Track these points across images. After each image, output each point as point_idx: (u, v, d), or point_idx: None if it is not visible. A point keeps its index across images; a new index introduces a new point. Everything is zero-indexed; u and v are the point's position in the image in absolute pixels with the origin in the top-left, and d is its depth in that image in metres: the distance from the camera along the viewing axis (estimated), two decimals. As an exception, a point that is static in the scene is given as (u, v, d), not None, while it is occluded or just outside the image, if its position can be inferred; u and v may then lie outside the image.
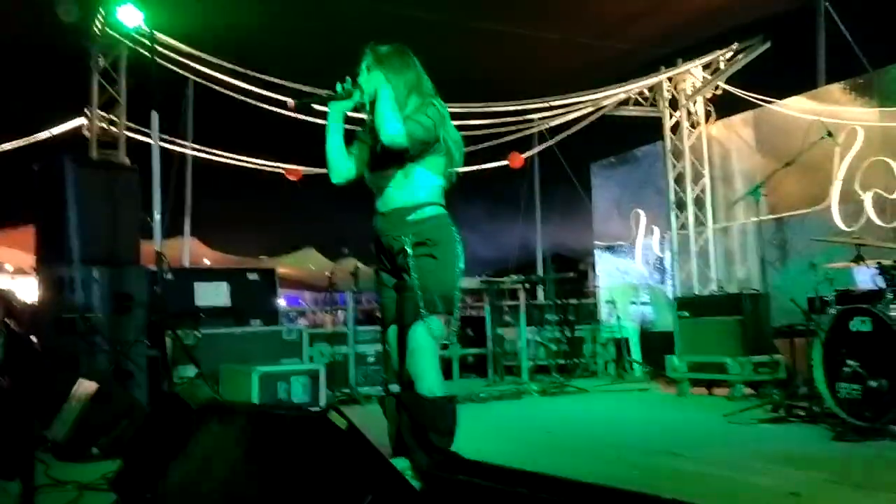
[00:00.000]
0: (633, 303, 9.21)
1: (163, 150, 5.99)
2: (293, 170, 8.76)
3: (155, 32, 6.06)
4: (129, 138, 7.36)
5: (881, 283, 4.26)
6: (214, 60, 7.32)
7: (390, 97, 2.83)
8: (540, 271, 11.04)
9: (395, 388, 3.08)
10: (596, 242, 11.05)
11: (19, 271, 12.45)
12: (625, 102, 9.63)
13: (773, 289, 6.32)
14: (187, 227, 9.15)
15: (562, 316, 8.23)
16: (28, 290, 9.08)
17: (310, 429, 1.77)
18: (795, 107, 8.03)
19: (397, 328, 2.98)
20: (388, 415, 2.99)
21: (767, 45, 8.64)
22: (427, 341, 2.83)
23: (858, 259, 4.61)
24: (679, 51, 9.21)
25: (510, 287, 8.54)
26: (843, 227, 7.42)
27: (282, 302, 10.43)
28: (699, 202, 9.59)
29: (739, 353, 5.67)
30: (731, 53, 9.11)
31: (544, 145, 9.88)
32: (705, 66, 9.45)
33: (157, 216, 4.72)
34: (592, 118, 9.29)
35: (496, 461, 1.42)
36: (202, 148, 8.59)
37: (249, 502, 1.81)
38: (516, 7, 7.54)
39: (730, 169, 9.26)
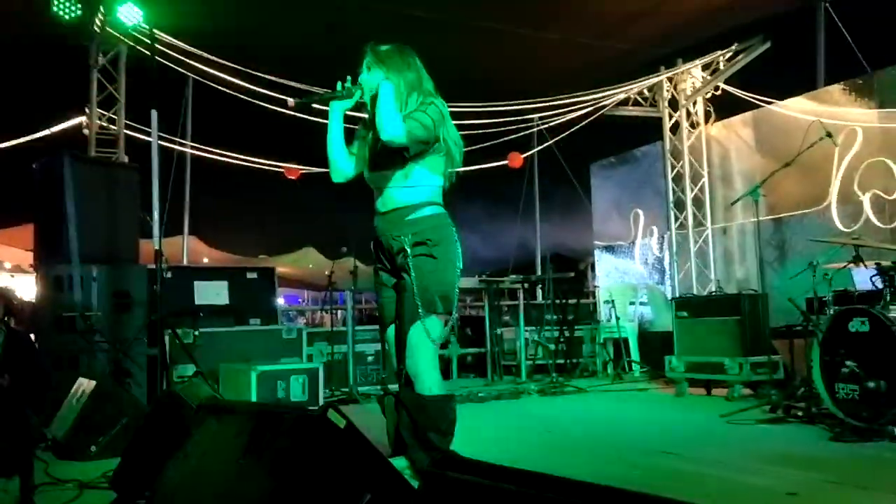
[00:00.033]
0: (632, 303, 9.21)
1: (162, 148, 5.98)
2: (292, 168, 8.77)
3: (154, 30, 6.06)
4: (128, 136, 7.37)
5: (879, 284, 4.27)
6: (214, 59, 7.32)
7: (391, 95, 2.83)
8: (539, 271, 11.03)
9: (394, 387, 3.08)
10: (595, 242, 11.06)
11: (18, 269, 12.44)
12: (624, 102, 9.64)
13: (772, 289, 6.32)
14: (186, 226, 9.14)
15: (561, 316, 8.23)
16: (27, 289, 9.08)
17: (308, 428, 1.77)
18: (795, 107, 8.04)
19: (396, 327, 2.98)
20: (387, 414, 3.00)
21: (767, 45, 8.65)
22: (426, 341, 2.83)
23: (857, 260, 4.62)
24: (679, 51, 9.23)
25: (509, 287, 8.56)
26: (841, 227, 7.43)
27: (281, 301, 10.42)
28: (698, 202, 9.60)
29: (738, 353, 5.67)
30: (730, 54, 9.12)
31: (544, 145, 9.88)
32: (705, 67, 9.47)
33: (157, 215, 4.71)
34: (592, 118, 9.29)
35: (495, 461, 1.42)
36: (202, 146, 8.59)
37: (248, 501, 1.81)
38: (516, 7, 7.54)
39: (729, 169, 9.27)
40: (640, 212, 10.21)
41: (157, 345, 4.82)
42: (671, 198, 9.67)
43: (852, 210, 7.39)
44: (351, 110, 2.99)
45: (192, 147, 8.62)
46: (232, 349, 5.95)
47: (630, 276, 10.29)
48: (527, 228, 11.69)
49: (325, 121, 3.02)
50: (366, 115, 3.04)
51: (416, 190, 2.91)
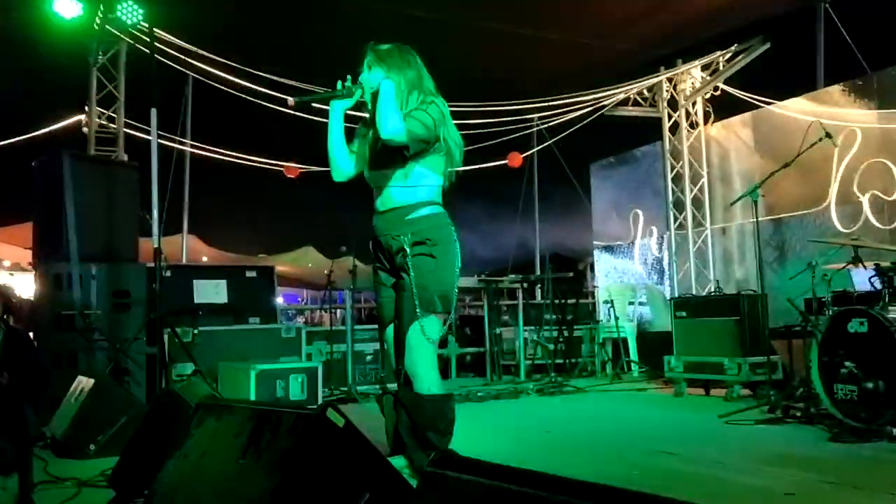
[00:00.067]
0: (631, 303, 9.22)
1: (162, 146, 5.98)
2: (292, 167, 8.77)
3: (154, 29, 6.05)
4: (127, 135, 7.36)
5: (878, 285, 4.27)
6: (214, 57, 7.32)
7: (391, 93, 2.82)
8: (538, 271, 11.04)
9: (393, 386, 3.08)
10: (595, 242, 11.07)
11: (17, 267, 12.43)
12: (624, 102, 9.65)
13: (771, 289, 6.33)
14: (186, 225, 9.14)
15: (560, 316, 8.24)
16: (26, 287, 9.08)
17: (308, 427, 1.77)
18: (794, 108, 8.05)
19: (395, 327, 2.98)
20: (386, 413, 3.00)
21: (767, 46, 8.66)
22: (425, 340, 2.84)
23: (856, 260, 4.62)
24: (679, 51, 9.23)
25: (508, 286, 8.56)
26: (840, 228, 7.44)
27: (280, 300, 10.42)
28: (697, 203, 9.60)
29: (737, 353, 5.68)
30: (730, 54, 9.12)
31: (543, 145, 9.89)
32: (705, 67, 9.47)
33: (156, 213, 4.70)
34: (592, 118, 9.30)
35: (493, 460, 1.42)
36: (201, 145, 8.59)
37: (247, 499, 1.81)
38: (516, 7, 7.54)
39: (728, 169, 9.28)
40: (640, 212, 10.22)
41: (156, 343, 4.82)
42: (670, 198, 9.67)
43: (851, 211, 7.39)
44: (351, 109, 2.99)
45: (192, 146, 8.62)
46: (231, 348, 5.95)
47: (629, 277, 10.30)
48: (526, 228, 11.70)
49: (324, 120, 3.02)
50: (366, 115, 3.03)
51: (416, 189, 2.91)
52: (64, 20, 6.32)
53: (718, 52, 9.17)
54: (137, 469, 2.67)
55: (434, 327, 2.86)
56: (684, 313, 6.29)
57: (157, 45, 6.29)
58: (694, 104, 9.65)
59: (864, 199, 7.26)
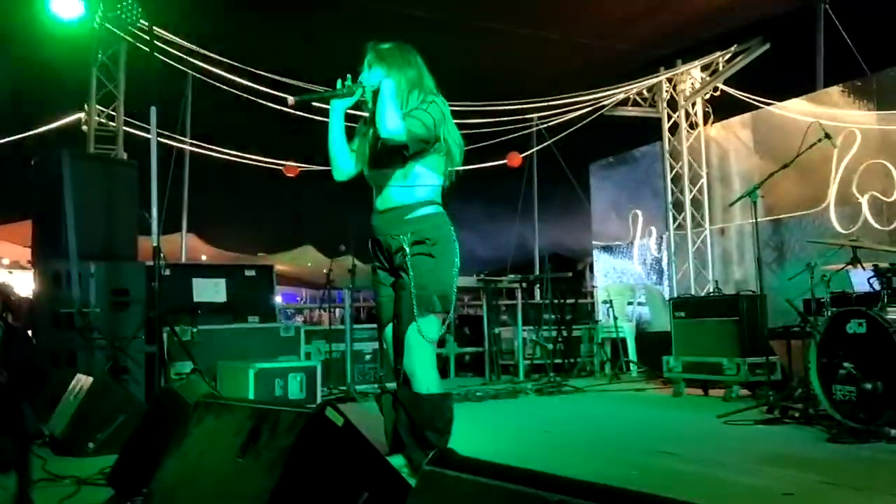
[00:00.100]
0: (630, 303, 9.23)
1: (161, 145, 5.98)
2: (291, 166, 8.77)
3: (154, 28, 6.05)
4: (127, 133, 7.36)
5: (877, 286, 4.27)
6: (214, 56, 7.32)
7: (392, 92, 2.82)
8: (537, 271, 11.05)
9: (392, 385, 3.09)
10: (594, 242, 11.07)
11: (16, 265, 12.43)
12: (624, 103, 9.65)
13: (770, 290, 6.33)
14: (185, 223, 9.14)
15: (559, 315, 8.24)
16: (25, 285, 9.07)
17: (306, 425, 1.77)
18: (794, 109, 8.05)
19: (394, 326, 2.98)
20: (385, 412, 3.00)
21: (766, 46, 8.66)
22: (424, 340, 2.84)
23: (855, 261, 4.63)
24: (678, 52, 9.23)
25: (507, 286, 8.56)
26: (840, 229, 7.44)
27: (279, 299, 10.43)
28: (697, 203, 9.61)
29: (736, 354, 5.68)
30: (730, 55, 9.13)
31: (543, 145, 9.89)
32: (704, 67, 9.48)
33: (155, 212, 4.70)
34: (591, 118, 9.30)
35: (492, 460, 1.42)
36: (200, 144, 8.58)
37: (246, 498, 1.81)
38: (516, 6, 7.54)
39: (727, 170, 9.28)
40: (639, 212, 10.22)
41: (155, 342, 4.83)
42: (670, 198, 9.68)
43: (850, 212, 7.40)
44: (351, 108, 2.98)
45: (191, 144, 8.62)
46: (230, 347, 5.95)
47: (628, 277, 10.30)
48: (525, 228, 11.70)
49: (324, 118, 3.02)
50: (366, 114, 3.03)
51: (416, 189, 2.91)
52: (64, 19, 6.31)
53: (718, 53, 9.18)
54: (136, 467, 2.67)
55: (433, 327, 2.86)
56: (683, 313, 6.29)
57: (157, 43, 6.29)
58: (693, 105, 9.66)
59: (863, 200, 7.27)
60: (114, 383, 4.27)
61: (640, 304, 9.45)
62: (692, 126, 9.71)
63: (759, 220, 5.38)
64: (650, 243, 10.09)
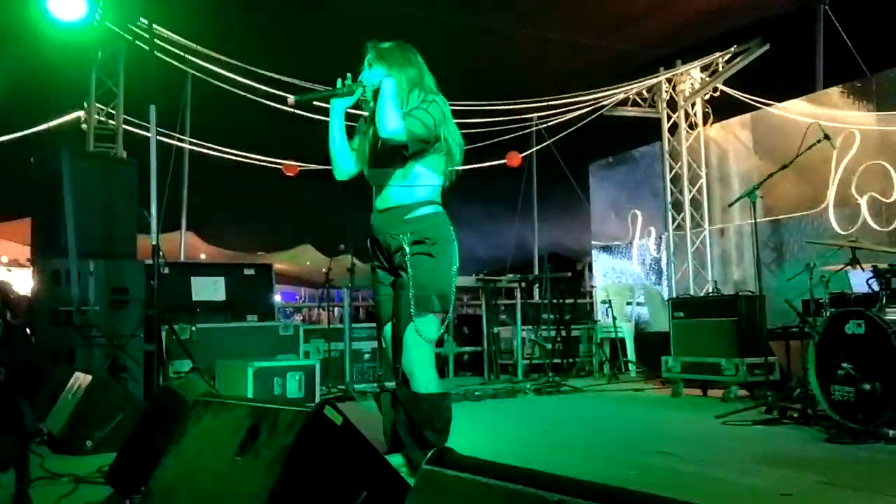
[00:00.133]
0: (629, 303, 9.23)
1: (160, 143, 5.97)
2: (291, 165, 8.76)
3: (154, 26, 6.05)
4: (126, 131, 7.35)
5: (876, 287, 4.28)
6: (214, 55, 7.31)
7: (392, 92, 2.81)
8: (536, 270, 11.05)
9: (390, 384, 3.09)
10: (593, 242, 11.07)
11: (15, 263, 12.42)
12: (623, 103, 9.65)
13: (769, 291, 6.33)
14: (184, 222, 9.14)
15: (558, 315, 8.24)
16: (24, 283, 9.07)
17: (305, 424, 1.77)
18: (793, 109, 8.06)
19: (393, 325, 2.98)
20: (384, 411, 3.00)
21: (766, 47, 8.67)
22: (422, 340, 2.83)
23: (854, 262, 4.63)
24: (678, 52, 9.24)
25: (507, 286, 8.56)
26: (839, 230, 7.45)
27: (278, 298, 10.42)
28: (696, 203, 9.61)
29: (734, 354, 5.68)
30: (729, 55, 9.13)
31: (542, 144, 9.89)
32: (704, 68, 9.48)
33: (154, 210, 4.71)
34: (591, 118, 9.30)
35: (491, 459, 1.42)
36: (200, 142, 8.58)
37: (244, 497, 1.81)
38: (516, 6, 7.54)
39: (727, 171, 9.29)
40: (638, 212, 10.23)
41: (153, 340, 4.83)
42: (669, 199, 9.68)
43: (849, 212, 7.41)
44: (351, 107, 2.98)
45: (191, 143, 8.61)
46: (228, 345, 5.95)
47: (627, 277, 10.31)
48: (525, 228, 11.70)
49: (324, 117, 3.02)
50: (366, 113, 3.03)
51: (416, 189, 2.91)
52: (64, 21, 6.30)
53: (718, 53, 9.18)
54: (134, 466, 2.67)
55: (432, 326, 2.86)
56: (682, 314, 6.30)
57: (157, 41, 6.29)
58: (693, 105, 9.66)
59: (863, 201, 7.27)
60: (112, 381, 4.27)
61: (639, 304, 9.45)
62: (692, 126, 9.71)
63: (758, 220, 5.38)
64: (649, 243, 10.09)
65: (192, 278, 6.50)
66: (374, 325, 3.31)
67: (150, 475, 2.30)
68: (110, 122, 7.25)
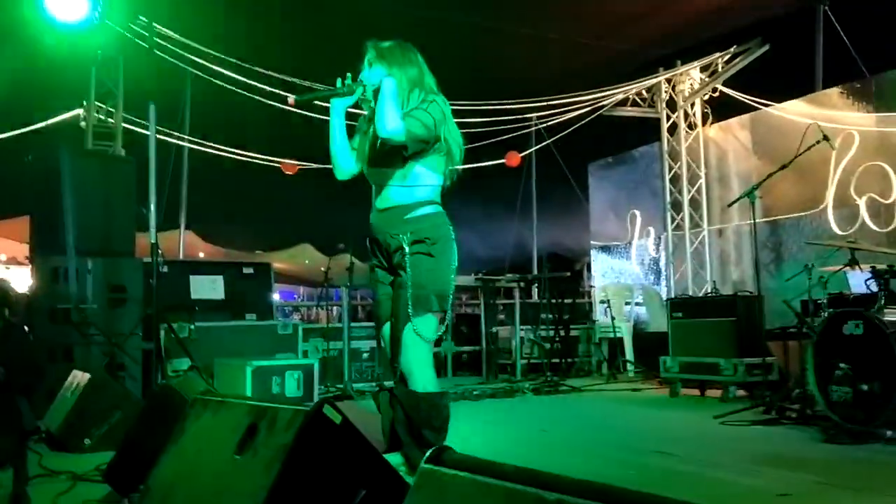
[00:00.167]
0: (628, 303, 9.24)
1: (160, 142, 5.97)
2: (290, 164, 8.76)
3: (154, 24, 6.05)
4: (125, 130, 7.34)
5: (874, 288, 4.28)
6: (214, 53, 7.30)
7: (393, 92, 2.81)
8: (535, 270, 11.05)
9: (389, 383, 3.08)
10: (592, 242, 11.08)
11: (13, 261, 12.41)
12: (623, 103, 9.65)
13: (767, 291, 6.34)
14: (183, 220, 9.13)
15: (556, 315, 8.24)
16: (22, 281, 9.06)
17: (304, 423, 1.77)
18: (792, 110, 8.06)
19: (392, 324, 2.98)
20: (382, 410, 2.99)
21: (766, 48, 8.67)
22: (421, 339, 2.83)
23: (852, 263, 4.64)
24: (678, 52, 9.24)
25: (505, 285, 8.56)
26: (837, 230, 7.45)
27: (276, 297, 10.41)
28: (695, 203, 9.61)
29: (733, 354, 5.69)
30: (729, 56, 9.14)
31: (542, 144, 9.89)
32: (703, 68, 9.49)
33: (153, 208, 4.70)
34: (590, 118, 9.30)
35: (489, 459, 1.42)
36: (199, 141, 8.57)
37: (243, 496, 1.81)
38: (516, 6, 7.54)
39: (726, 171, 9.29)
40: (637, 212, 10.23)
41: (152, 338, 4.82)
42: (668, 199, 9.68)
43: (848, 213, 7.41)
44: (351, 106, 2.98)
45: (190, 141, 8.60)
46: (227, 344, 5.94)
47: (626, 277, 10.31)
48: (524, 227, 11.70)
49: (323, 116, 3.02)
50: (366, 111, 3.03)
51: (416, 189, 2.90)
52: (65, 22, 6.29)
53: (717, 54, 9.18)
54: (133, 464, 2.66)
55: (430, 326, 2.86)
56: (681, 314, 6.30)
57: (156, 40, 6.28)
58: (692, 105, 9.66)
59: (861, 202, 7.28)
60: (111, 380, 4.27)
61: (637, 304, 9.46)
62: (691, 126, 9.71)
63: (757, 220, 5.38)
64: (648, 243, 10.09)
65: (191, 277, 6.49)
66: (372, 324, 3.31)
67: (149, 473, 2.30)
68: (109, 120, 7.24)
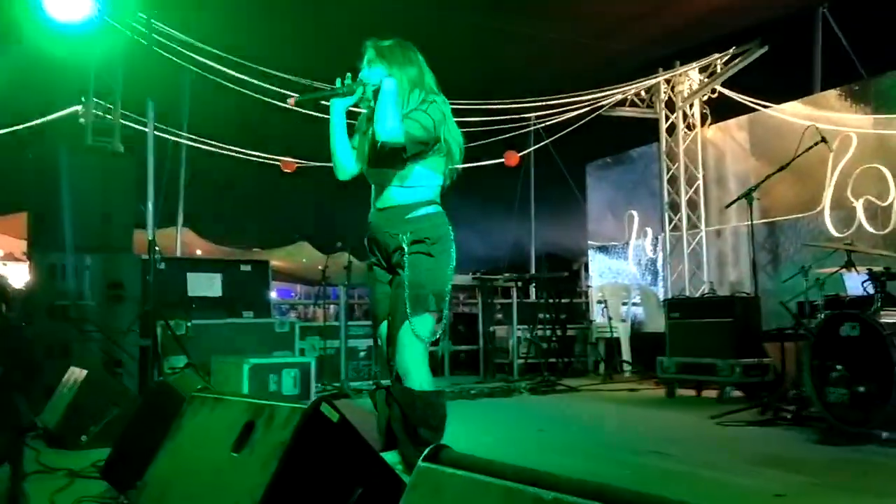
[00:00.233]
0: (625, 303, 9.25)
1: (158, 139, 5.96)
2: (289, 162, 8.75)
3: (153, 21, 6.04)
4: (124, 126, 7.33)
5: (871, 290, 4.29)
6: (213, 50, 7.29)
7: (393, 94, 2.81)
8: (533, 270, 11.06)
9: (386, 382, 3.09)
10: (589, 242, 11.08)
11: (10, 257, 12.38)
12: (621, 103, 9.65)
13: (764, 292, 6.35)
14: (180, 217, 9.12)
15: (553, 315, 8.25)
16: (19, 277, 9.04)
17: (302, 421, 1.77)
18: (790, 112, 8.07)
19: (389, 323, 2.98)
20: (379, 408, 3.00)
21: (764, 49, 8.67)
22: (418, 338, 2.84)
23: (849, 265, 4.65)
24: (677, 53, 9.24)
25: (503, 285, 8.56)
26: (834, 232, 7.47)
27: (273, 294, 10.40)
28: (693, 204, 9.62)
29: (729, 355, 5.70)
30: (728, 57, 9.14)
31: (540, 144, 9.89)
32: (702, 69, 9.49)
33: (151, 205, 4.71)
34: (589, 118, 9.30)
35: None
36: (198, 138, 8.56)
37: (239, 493, 1.82)
38: (516, 6, 7.54)
39: (724, 172, 9.30)
40: (635, 213, 10.24)
41: (149, 335, 4.83)
42: (666, 199, 9.69)
43: (845, 215, 7.42)
44: (353, 107, 2.97)
45: (188, 138, 8.59)
46: (224, 342, 5.94)
47: (623, 277, 10.31)
48: (522, 227, 11.69)
49: (323, 115, 3.02)
50: (365, 110, 3.03)
51: (416, 189, 2.90)
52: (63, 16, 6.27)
53: (716, 55, 9.19)
54: (130, 460, 2.67)
55: (427, 325, 2.86)
56: (678, 314, 6.31)
57: (156, 36, 6.27)
58: (691, 106, 9.67)
59: (858, 204, 7.29)
60: (108, 376, 4.27)
61: (634, 304, 9.47)
62: (689, 127, 9.72)
63: (754, 222, 5.39)
64: (645, 244, 10.10)
65: (189, 274, 6.48)
66: (369, 322, 3.31)
67: (146, 470, 2.30)
68: (108, 116, 7.22)
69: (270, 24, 7.62)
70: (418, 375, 2.84)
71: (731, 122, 9.16)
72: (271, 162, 8.78)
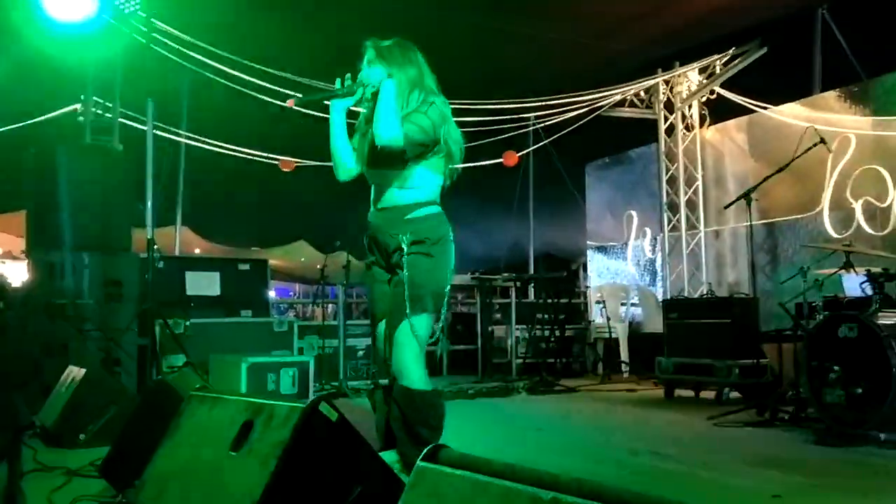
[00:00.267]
0: (623, 303, 9.26)
1: (157, 137, 5.95)
2: (287, 161, 8.75)
3: (153, 20, 6.04)
4: (123, 125, 7.32)
5: (869, 291, 4.30)
6: (213, 49, 7.29)
7: (392, 96, 2.80)
8: (532, 270, 11.06)
9: (384, 381, 3.09)
10: (588, 242, 11.09)
11: (9, 256, 12.37)
12: (621, 104, 9.66)
13: (763, 293, 6.36)
14: (179, 216, 9.12)
15: (552, 315, 8.25)
16: (17, 275, 9.04)
17: (300, 420, 1.77)
18: (789, 113, 8.08)
19: (387, 322, 2.98)
20: (377, 407, 3.00)
21: (764, 50, 8.68)
22: (415, 338, 2.84)
23: (848, 266, 4.65)
24: (676, 54, 9.25)
25: (501, 285, 8.57)
26: (833, 233, 7.47)
27: (272, 294, 10.40)
28: (691, 205, 9.63)
29: (727, 356, 5.70)
30: (727, 58, 9.15)
31: (539, 144, 9.89)
32: (701, 70, 9.50)
33: (150, 204, 4.71)
34: (588, 118, 9.30)
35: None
36: (197, 137, 8.55)
37: (238, 492, 1.82)
38: (516, 6, 7.54)
39: (723, 173, 9.31)
40: (634, 213, 10.25)
41: (147, 334, 4.82)
42: (664, 200, 9.70)
43: (844, 216, 7.43)
44: (353, 107, 2.97)
45: (187, 137, 8.59)
46: (222, 340, 5.94)
47: (622, 277, 10.32)
48: (520, 227, 11.69)
49: (321, 114, 3.01)
50: (365, 111, 3.02)
51: (416, 190, 2.90)
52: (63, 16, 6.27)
53: (715, 56, 9.20)
54: (128, 459, 2.67)
55: (425, 325, 2.86)
56: (676, 315, 6.32)
57: (155, 35, 6.27)
58: (690, 107, 9.68)
59: (857, 206, 7.30)
60: (106, 375, 4.27)
61: (633, 304, 9.48)
62: (688, 128, 9.73)
63: (753, 223, 5.40)
64: (644, 244, 10.11)
65: (187, 273, 6.48)
66: (368, 322, 3.31)
67: (144, 469, 2.30)
68: (107, 115, 7.21)
69: (270, 24, 7.61)
70: (415, 375, 2.84)
71: (730, 123, 9.17)
72: (270, 161, 8.77)
